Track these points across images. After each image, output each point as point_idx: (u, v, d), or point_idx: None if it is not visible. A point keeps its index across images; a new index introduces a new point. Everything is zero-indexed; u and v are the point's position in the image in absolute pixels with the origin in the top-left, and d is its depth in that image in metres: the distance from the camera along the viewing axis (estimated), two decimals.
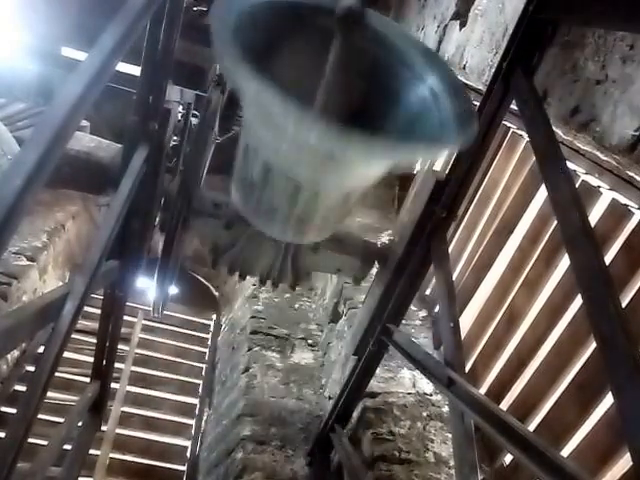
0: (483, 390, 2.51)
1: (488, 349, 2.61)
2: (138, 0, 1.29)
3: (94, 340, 2.66)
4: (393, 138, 1.38)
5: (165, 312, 4.20)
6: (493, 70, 1.76)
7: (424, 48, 1.48)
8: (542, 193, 2.37)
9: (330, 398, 3.10)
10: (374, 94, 1.46)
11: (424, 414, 2.57)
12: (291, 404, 3.20)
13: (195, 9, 5.25)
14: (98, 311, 2.47)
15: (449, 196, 1.91)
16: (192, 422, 3.97)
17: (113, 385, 2.99)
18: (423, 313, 3.40)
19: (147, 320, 4.60)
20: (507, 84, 1.69)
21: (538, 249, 2.37)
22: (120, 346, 2.89)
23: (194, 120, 2.60)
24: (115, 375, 2.97)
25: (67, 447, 2.39)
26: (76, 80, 1.01)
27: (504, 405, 2.32)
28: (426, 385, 2.73)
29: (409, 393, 2.68)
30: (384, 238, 2.41)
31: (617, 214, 1.95)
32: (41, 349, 2.55)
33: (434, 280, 3.01)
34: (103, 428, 3.21)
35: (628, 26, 1.30)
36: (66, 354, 1.66)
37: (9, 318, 1.13)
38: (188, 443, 3.83)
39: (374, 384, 2.58)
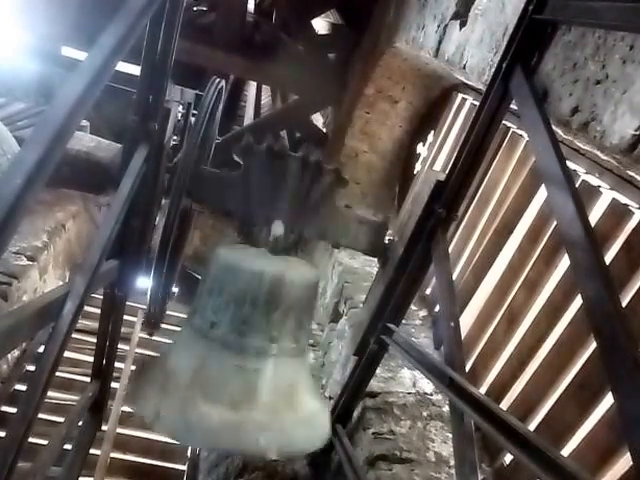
0: (483, 390, 2.51)
1: (488, 349, 2.61)
2: (138, 0, 1.28)
3: (94, 340, 2.66)
4: None
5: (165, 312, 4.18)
6: (493, 70, 1.76)
7: None
8: (542, 193, 2.37)
9: (331, 398, 3.10)
10: None
11: (424, 414, 2.57)
12: None
13: (195, 9, 5.25)
14: (98, 311, 2.47)
15: (449, 196, 1.91)
16: None
17: (113, 385, 2.99)
18: (423, 313, 3.40)
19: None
20: (507, 84, 1.68)
21: (538, 249, 2.37)
22: (120, 346, 2.89)
23: (194, 120, 2.60)
24: (115, 375, 2.97)
25: (67, 447, 2.39)
26: (76, 80, 1.01)
27: (504, 405, 2.32)
28: (426, 385, 2.73)
29: (409, 393, 2.68)
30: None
31: (617, 214, 1.96)
32: (41, 349, 2.55)
33: (434, 280, 3.01)
34: (103, 428, 3.21)
35: (628, 26, 1.30)
36: (66, 354, 1.66)
37: (9, 318, 1.13)
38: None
39: (374, 384, 2.58)
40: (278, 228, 1.91)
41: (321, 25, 5.99)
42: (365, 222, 2.23)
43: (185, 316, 2.08)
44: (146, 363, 2.06)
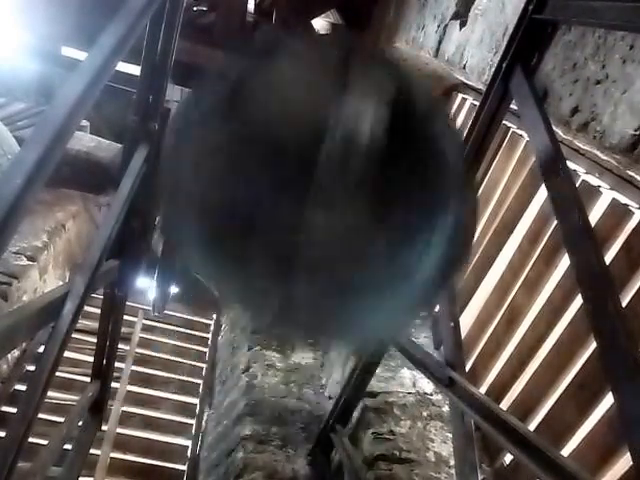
0: (483, 390, 2.50)
1: (488, 349, 2.61)
2: (138, 0, 1.29)
3: (94, 340, 2.67)
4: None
5: (165, 311, 4.19)
6: (493, 70, 1.76)
7: None
8: (542, 193, 2.37)
9: (330, 398, 3.10)
10: None
11: (424, 414, 2.57)
12: (291, 404, 3.20)
13: (195, 9, 5.25)
14: (98, 311, 2.47)
15: None
16: (192, 422, 3.97)
17: (113, 385, 3.00)
18: (423, 313, 3.40)
19: (147, 319, 4.60)
20: (507, 84, 1.68)
21: (538, 249, 2.37)
22: (120, 345, 2.89)
23: None
24: (115, 375, 2.98)
25: (67, 447, 2.39)
26: (76, 80, 1.01)
27: (504, 405, 2.32)
28: (426, 385, 2.73)
29: (409, 393, 2.68)
30: None
31: (617, 214, 1.95)
32: (41, 348, 2.55)
33: None
34: (103, 428, 3.21)
35: (628, 26, 1.30)
36: (66, 354, 1.66)
37: (9, 318, 1.13)
38: (189, 443, 3.83)
39: (374, 384, 2.58)
40: None
41: (321, 25, 5.98)
42: None
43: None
44: None
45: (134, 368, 4.14)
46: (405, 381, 2.75)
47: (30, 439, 1.23)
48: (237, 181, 0.96)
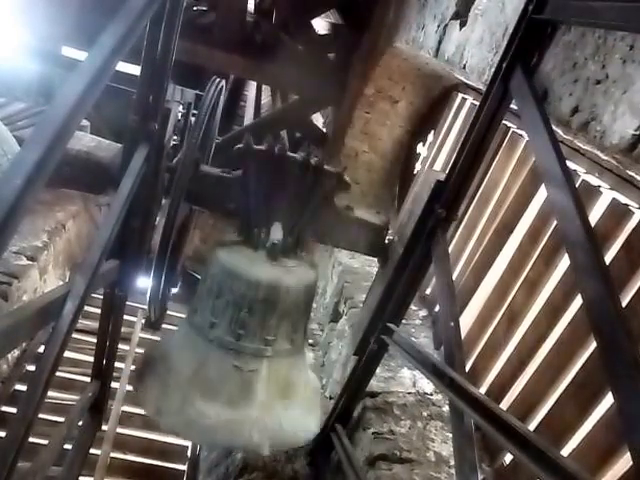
0: (483, 390, 2.51)
1: (488, 349, 2.61)
2: (138, 0, 1.28)
3: (94, 339, 2.66)
4: None
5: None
6: (493, 70, 1.76)
7: None
8: (542, 193, 2.37)
9: (331, 398, 3.10)
10: None
11: (424, 414, 2.57)
12: None
13: (195, 9, 5.24)
14: (98, 311, 2.47)
15: (449, 196, 1.91)
16: None
17: (113, 384, 2.99)
18: (423, 313, 3.40)
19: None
20: (507, 84, 1.68)
21: (538, 249, 2.37)
22: (120, 345, 2.88)
23: (194, 120, 2.61)
24: (115, 374, 2.97)
25: (67, 446, 2.39)
26: (76, 80, 1.01)
27: (504, 405, 2.32)
28: (426, 385, 2.73)
29: (409, 393, 2.68)
30: None
31: (617, 214, 1.95)
32: (41, 348, 2.55)
33: (434, 280, 3.01)
34: (103, 427, 3.20)
35: (628, 26, 1.29)
36: (66, 354, 1.66)
37: (9, 318, 1.13)
38: (188, 442, 3.83)
39: (374, 384, 2.58)
40: (277, 232, 1.93)
41: (321, 25, 5.98)
42: (365, 225, 2.24)
43: (184, 315, 2.12)
44: (147, 357, 2.10)
45: (134, 368, 4.14)
46: (405, 381, 2.75)
47: (30, 439, 1.23)
48: None
